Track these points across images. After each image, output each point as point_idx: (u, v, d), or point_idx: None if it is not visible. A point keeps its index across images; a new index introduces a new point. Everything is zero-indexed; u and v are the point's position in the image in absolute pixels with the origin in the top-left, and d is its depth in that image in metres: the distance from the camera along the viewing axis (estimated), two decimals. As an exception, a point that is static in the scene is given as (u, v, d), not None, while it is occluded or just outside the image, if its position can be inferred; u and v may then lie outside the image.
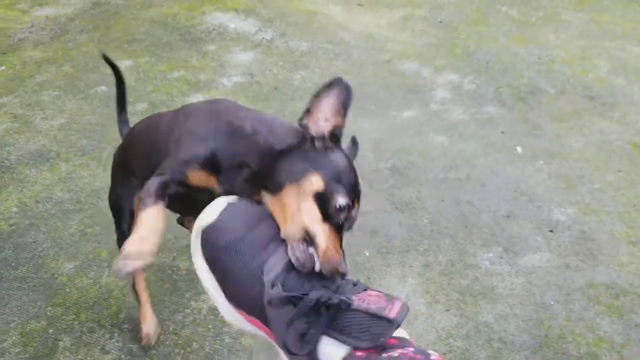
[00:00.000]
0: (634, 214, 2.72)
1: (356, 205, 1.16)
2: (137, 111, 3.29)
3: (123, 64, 3.75)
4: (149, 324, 1.98)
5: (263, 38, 4.31)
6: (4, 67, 3.81)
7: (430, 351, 0.95)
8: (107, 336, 2.02)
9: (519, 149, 3.26)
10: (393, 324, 0.97)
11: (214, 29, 4.37)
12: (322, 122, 1.17)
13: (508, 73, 4.01)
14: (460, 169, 3.05)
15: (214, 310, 2.13)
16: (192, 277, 2.28)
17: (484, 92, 3.81)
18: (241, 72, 3.84)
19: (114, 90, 2.14)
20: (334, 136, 1.20)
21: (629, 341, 2.07)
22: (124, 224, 1.86)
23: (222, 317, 1.19)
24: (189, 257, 2.34)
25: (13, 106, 3.41)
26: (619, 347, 2.03)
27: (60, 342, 1.99)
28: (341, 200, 1.10)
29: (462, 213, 2.71)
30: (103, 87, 3.58)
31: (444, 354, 1.98)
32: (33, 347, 1.97)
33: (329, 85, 1.15)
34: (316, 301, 1.00)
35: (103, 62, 2.09)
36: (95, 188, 2.78)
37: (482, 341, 2.04)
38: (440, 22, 4.80)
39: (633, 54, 4.37)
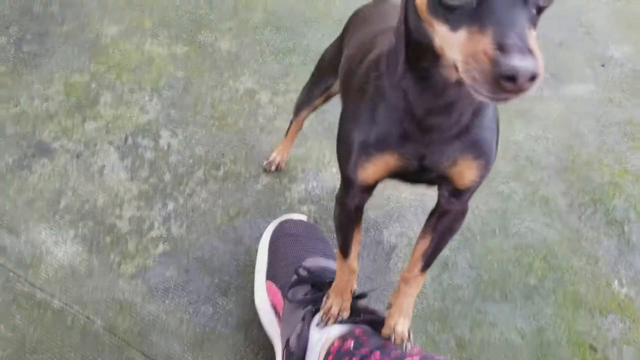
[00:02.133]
0: (694, 61, 2.60)
1: None
2: None
3: None
4: (280, 155, 1.91)
5: None
6: None
7: None
8: (146, 98, 2.08)
9: (588, -21, 3.04)
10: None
11: None
12: None
13: None
14: (521, -8, 2.88)
15: (250, 92, 2.16)
16: (232, 59, 2.29)
17: None
18: None
19: None
20: None
21: (655, 179, 2.08)
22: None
23: (253, 292, 1.57)
24: (230, 39, 2.35)
25: None
26: (643, 182, 2.04)
27: (102, 97, 2.07)
28: None
29: (514, 35, 2.60)
30: None
31: (469, 162, 2.02)
32: (76, 97, 2.05)
33: None
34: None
35: None
36: (143, -42, 2.71)
37: (509, 157, 2.06)
38: None
39: None
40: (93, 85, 2.10)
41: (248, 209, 1.80)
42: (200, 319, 1.55)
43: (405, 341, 1.25)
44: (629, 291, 1.75)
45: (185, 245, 1.69)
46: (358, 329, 1.26)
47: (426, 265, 1.21)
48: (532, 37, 0.67)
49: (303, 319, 1.31)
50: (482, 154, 1.01)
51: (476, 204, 1.90)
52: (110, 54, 2.22)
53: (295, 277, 1.40)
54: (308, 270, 1.41)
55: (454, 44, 0.71)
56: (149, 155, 1.91)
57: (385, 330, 1.25)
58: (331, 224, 1.79)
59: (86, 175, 1.83)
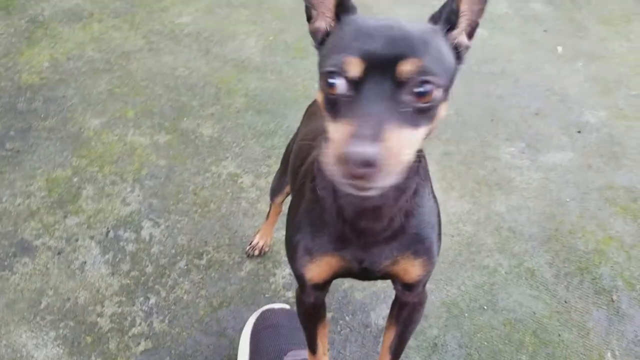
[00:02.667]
0: (669, 122, 2.65)
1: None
2: None
3: None
4: (263, 239, 1.91)
5: None
6: None
7: None
8: (128, 189, 2.10)
9: (559, 48, 3.13)
10: None
11: None
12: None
13: (561, -32, 3.79)
14: (495, 63, 2.96)
15: (232, 177, 2.18)
16: (214, 145, 2.32)
17: (532, -14, 3.62)
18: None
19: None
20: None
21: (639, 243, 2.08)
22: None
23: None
24: (212, 125, 2.38)
25: (48, -37, 3.38)
26: (627, 247, 2.04)
27: (84, 191, 2.08)
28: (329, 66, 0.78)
29: (491, 106, 2.66)
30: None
31: (452, 236, 2.02)
32: (57, 193, 2.06)
33: None
34: None
35: None
36: (126, 50, 2.78)
37: (491, 228, 2.07)
38: None
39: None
40: (75, 179, 2.11)
41: (232, 298, 1.78)
42: (184, 418, 1.50)
43: None
44: (623, 363, 1.72)
45: (167, 341, 1.66)
46: None
47: (395, 357, 1.21)
48: (391, 131, 0.71)
49: None
50: (422, 251, 1.04)
51: (462, 280, 1.89)
52: (92, 147, 2.25)
53: None
54: None
55: (332, 131, 0.77)
56: (130, 247, 1.90)
57: None
58: (328, 302, 1.77)
59: (67, 272, 1.82)
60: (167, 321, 1.71)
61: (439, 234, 1.09)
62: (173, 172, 2.18)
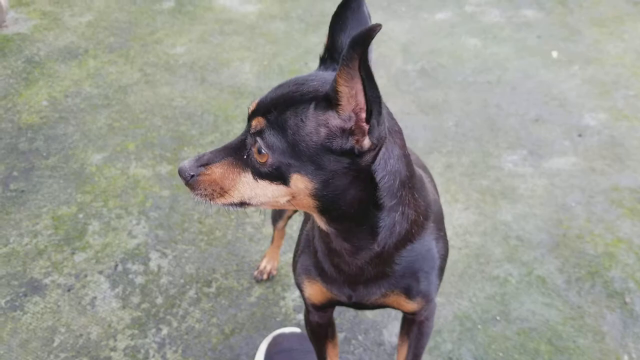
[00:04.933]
0: (668, 120, 2.65)
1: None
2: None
3: None
4: (270, 263, 1.92)
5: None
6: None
7: None
8: (134, 222, 2.10)
9: (554, 53, 3.15)
10: None
11: None
12: None
13: (549, -25, 3.82)
14: (491, 72, 2.98)
15: (237, 203, 2.18)
16: (217, 171, 2.32)
17: (522, -6, 3.65)
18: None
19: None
20: None
21: (649, 243, 2.06)
22: None
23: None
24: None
25: (41, 3, 3.42)
26: (637, 248, 2.03)
27: (90, 226, 2.08)
28: None
29: (489, 116, 2.67)
30: (131, -15, 3.54)
31: (460, 249, 2.01)
32: (64, 230, 2.07)
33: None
34: None
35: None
36: (123, 84, 2.81)
37: (499, 238, 2.06)
38: None
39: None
40: (80, 215, 2.12)
41: (243, 324, 1.78)
42: None
43: None
44: (641, 365, 1.70)
45: (181, 372, 1.65)
46: None
47: None
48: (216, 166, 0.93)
49: None
50: (416, 291, 1.08)
51: (473, 292, 1.88)
52: (95, 182, 2.26)
53: None
54: None
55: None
56: (139, 280, 1.90)
57: None
58: (340, 322, 1.76)
59: (78, 308, 1.82)
60: (180, 351, 1.70)
61: (441, 274, 1.13)
62: (177, 202, 2.19)
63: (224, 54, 3.10)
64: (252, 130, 0.88)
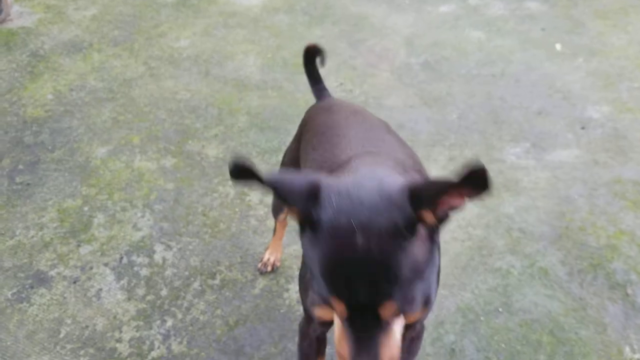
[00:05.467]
0: (672, 113, 2.65)
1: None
2: (168, 2, 3.25)
3: None
4: (273, 255, 1.93)
5: None
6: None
7: None
8: (139, 215, 2.12)
9: (558, 46, 3.15)
10: None
11: None
12: None
13: (553, -33, 3.81)
14: (494, 65, 2.98)
15: (240, 195, 2.20)
16: (220, 165, 2.34)
17: (526, -14, 3.65)
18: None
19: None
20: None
21: (651, 236, 2.07)
22: None
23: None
24: (217, 145, 2.41)
25: (46, -4, 3.43)
26: (639, 240, 2.04)
27: (95, 219, 2.10)
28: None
29: (493, 109, 2.67)
30: (134, -22, 3.55)
31: (463, 241, 2.02)
32: (69, 223, 2.08)
33: None
34: None
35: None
36: (127, 78, 2.82)
37: (502, 230, 2.07)
38: None
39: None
40: (86, 208, 2.14)
41: (247, 316, 1.79)
42: None
43: None
44: (643, 356, 1.71)
45: (186, 363, 1.67)
46: None
47: None
48: (388, 348, 0.84)
49: None
50: (415, 308, 1.05)
51: (475, 284, 1.89)
52: (100, 175, 2.27)
53: None
54: None
55: (337, 324, 0.88)
56: (144, 272, 1.92)
57: None
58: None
59: (84, 300, 1.84)
60: (185, 342, 1.72)
61: (435, 287, 1.12)
62: (181, 194, 2.20)
63: (227, 47, 3.11)
64: (387, 317, 0.83)
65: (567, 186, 2.25)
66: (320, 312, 1.10)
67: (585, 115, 2.63)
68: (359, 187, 0.81)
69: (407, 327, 1.15)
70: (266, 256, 1.92)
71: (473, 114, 2.63)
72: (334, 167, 1.19)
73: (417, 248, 0.79)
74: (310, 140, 1.40)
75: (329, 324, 1.16)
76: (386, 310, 0.80)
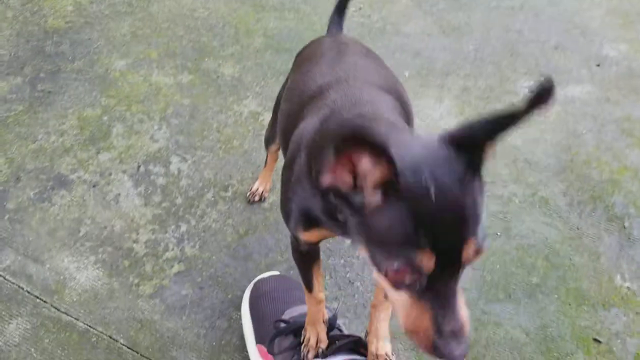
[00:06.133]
0: (690, 54, 2.64)
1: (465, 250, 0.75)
2: None
3: None
4: (263, 185, 1.95)
5: None
6: None
7: None
8: (156, 127, 2.18)
9: (581, -19, 3.09)
10: None
11: None
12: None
13: None
14: (515, -2, 2.95)
15: (254, 115, 2.25)
16: (235, 84, 2.38)
17: None
18: None
19: None
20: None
21: (654, 173, 2.12)
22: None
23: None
24: (233, 65, 2.44)
25: None
26: (641, 177, 2.09)
27: (114, 129, 2.17)
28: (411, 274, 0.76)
29: (510, 41, 2.67)
30: None
31: (469, 168, 2.08)
32: (89, 131, 2.16)
33: None
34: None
35: None
36: (147, -8, 2.83)
37: (507, 160, 2.12)
38: None
39: None
40: (105, 118, 2.20)
41: (257, 226, 1.88)
42: (216, 333, 1.62)
43: None
44: (632, 285, 1.79)
45: (198, 264, 1.77)
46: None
47: None
48: (463, 309, 0.77)
49: None
50: None
51: (477, 209, 1.95)
52: (119, 87, 2.33)
53: (274, 331, 1.45)
54: (286, 321, 1.46)
55: (395, 299, 0.80)
56: (160, 181, 2.00)
57: (369, 357, 1.33)
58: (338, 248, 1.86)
59: (103, 203, 1.93)
60: (197, 247, 1.82)
61: None
62: (197, 110, 2.26)
63: (247, -33, 3.08)
64: (470, 260, 0.76)
65: (576, 121, 2.29)
66: (306, 236, 1.13)
67: (602, 52, 2.63)
68: (423, 140, 0.80)
69: None
70: (255, 186, 1.96)
71: (489, 46, 2.64)
72: (304, 99, 1.21)
73: (482, 182, 0.78)
74: (290, 78, 1.43)
75: (315, 243, 1.22)
76: (470, 250, 0.74)
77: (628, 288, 1.78)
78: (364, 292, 1.74)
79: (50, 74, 2.37)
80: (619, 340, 1.66)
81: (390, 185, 0.72)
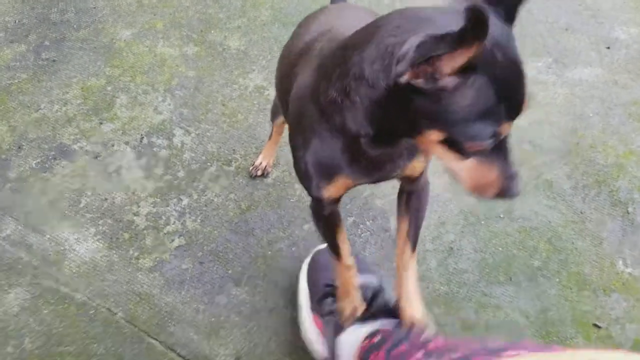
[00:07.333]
0: (702, 39, 2.60)
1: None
2: None
3: None
4: (266, 160, 1.93)
5: None
6: None
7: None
8: (160, 99, 2.17)
9: (595, -39, 3.04)
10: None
11: None
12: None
13: None
14: (526, -23, 2.90)
15: (259, 89, 2.23)
16: (241, 57, 2.36)
17: None
18: None
19: None
20: None
21: (660, 159, 2.10)
22: None
23: (300, 328, 1.54)
24: (239, 37, 2.42)
25: None
26: (647, 162, 2.07)
27: (117, 99, 2.16)
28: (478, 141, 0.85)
29: (518, 20, 2.62)
30: None
31: (473, 149, 2.06)
32: (93, 101, 2.14)
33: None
34: None
35: None
36: (153, -38, 2.79)
37: (512, 142, 2.09)
38: None
39: None
40: (109, 88, 2.19)
41: (259, 202, 1.88)
42: (215, 308, 1.63)
43: (426, 325, 1.29)
44: (633, 271, 1.79)
45: (199, 238, 1.77)
46: (381, 326, 1.31)
47: (414, 245, 1.27)
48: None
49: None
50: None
51: (481, 190, 1.94)
52: (124, 57, 2.31)
53: (321, 294, 1.44)
54: (334, 285, 1.43)
55: (460, 168, 0.89)
56: (163, 153, 1.99)
57: (405, 324, 1.29)
58: (350, 208, 1.86)
59: (104, 175, 1.93)
60: (199, 221, 1.81)
61: None
62: (202, 83, 2.24)
63: (255, -62, 3.03)
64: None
65: (583, 103, 2.26)
66: (330, 190, 1.12)
67: (612, 35, 2.59)
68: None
69: (415, 180, 1.21)
70: (259, 160, 1.94)
71: (499, 25, 2.60)
72: (292, 58, 1.21)
73: None
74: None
75: (337, 200, 1.21)
76: (526, 105, 0.87)
77: (630, 274, 1.77)
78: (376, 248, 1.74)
79: (55, 42, 2.35)
80: (618, 326, 1.66)
81: (469, 65, 0.76)
